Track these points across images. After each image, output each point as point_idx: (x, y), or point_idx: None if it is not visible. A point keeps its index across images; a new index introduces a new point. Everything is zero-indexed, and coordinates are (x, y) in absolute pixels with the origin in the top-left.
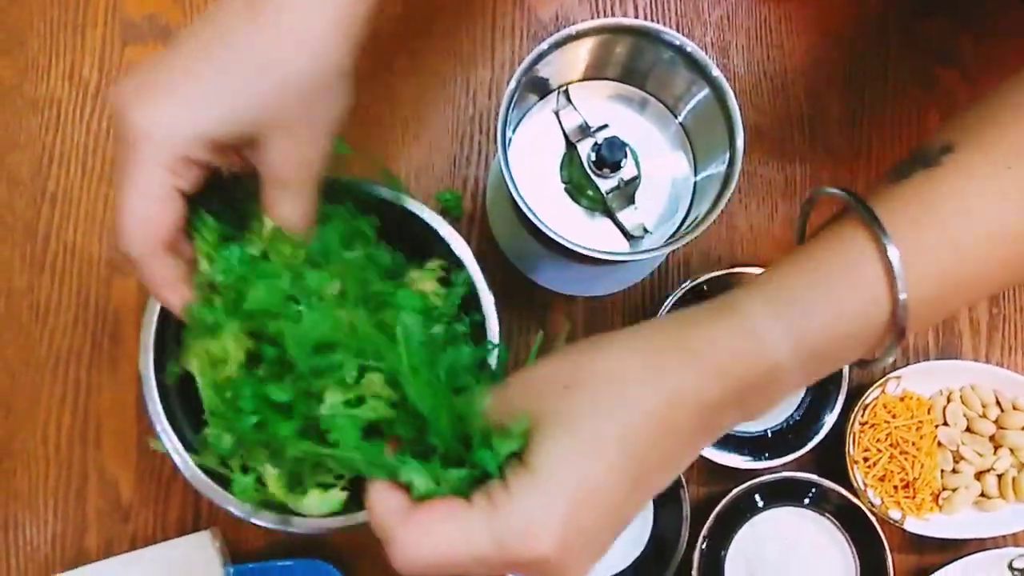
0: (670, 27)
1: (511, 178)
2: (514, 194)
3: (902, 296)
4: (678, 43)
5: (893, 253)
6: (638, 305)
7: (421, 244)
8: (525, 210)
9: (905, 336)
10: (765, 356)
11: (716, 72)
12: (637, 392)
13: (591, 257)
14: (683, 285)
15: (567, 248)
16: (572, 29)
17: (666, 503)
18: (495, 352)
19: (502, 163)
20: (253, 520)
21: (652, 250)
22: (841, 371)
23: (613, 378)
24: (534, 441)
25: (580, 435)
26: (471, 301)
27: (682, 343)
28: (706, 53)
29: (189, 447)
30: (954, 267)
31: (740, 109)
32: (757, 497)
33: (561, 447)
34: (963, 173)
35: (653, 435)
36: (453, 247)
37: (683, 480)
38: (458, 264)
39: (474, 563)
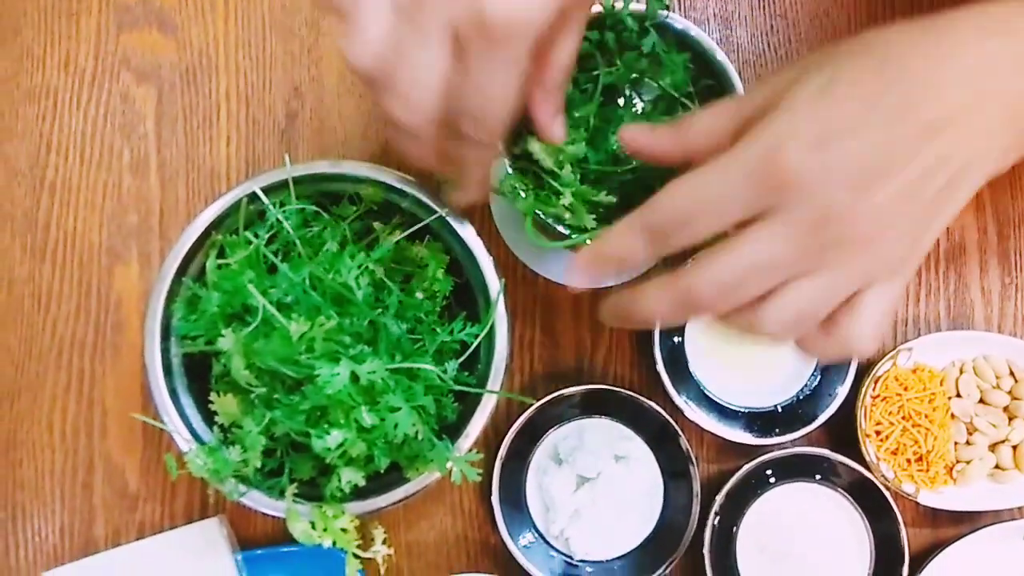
0: None
1: None
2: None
3: None
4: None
5: None
6: None
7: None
8: None
9: None
10: None
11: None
12: None
13: None
14: None
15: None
16: None
17: (676, 480)
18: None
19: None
20: (261, 509)
21: None
22: None
23: None
24: None
25: None
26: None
27: None
28: (708, 24)
29: (195, 434)
30: None
31: (740, 77)
32: (768, 473)
33: None
34: None
35: None
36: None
37: (693, 457)
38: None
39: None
